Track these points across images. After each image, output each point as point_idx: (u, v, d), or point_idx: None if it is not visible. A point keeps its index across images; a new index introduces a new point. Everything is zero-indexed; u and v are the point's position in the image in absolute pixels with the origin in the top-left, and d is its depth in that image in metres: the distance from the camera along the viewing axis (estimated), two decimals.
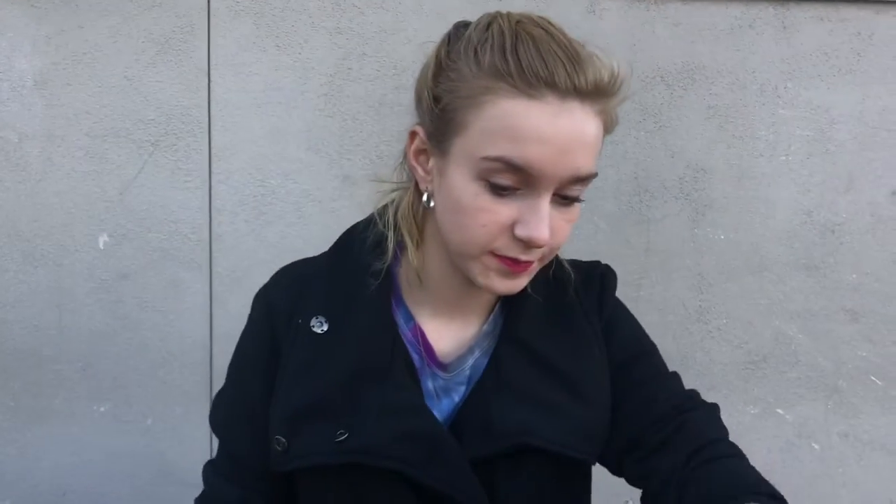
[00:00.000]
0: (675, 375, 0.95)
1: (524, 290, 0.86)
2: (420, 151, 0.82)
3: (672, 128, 1.68)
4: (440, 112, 0.77)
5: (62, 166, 1.63)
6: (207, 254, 1.66)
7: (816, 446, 1.79)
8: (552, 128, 0.71)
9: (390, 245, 0.88)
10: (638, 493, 0.89)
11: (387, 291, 0.88)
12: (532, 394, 0.85)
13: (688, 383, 1.89)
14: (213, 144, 1.64)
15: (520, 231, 0.75)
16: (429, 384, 0.87)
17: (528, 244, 0.75)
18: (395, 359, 0.85)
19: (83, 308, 1.66)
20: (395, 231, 0.88)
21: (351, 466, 0.82)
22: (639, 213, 1.70)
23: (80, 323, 1.66)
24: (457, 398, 0.87)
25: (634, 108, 1.67)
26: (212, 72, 1.62)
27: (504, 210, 0.75)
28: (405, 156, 0.86)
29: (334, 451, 0.82)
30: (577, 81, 0.71)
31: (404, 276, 0.90)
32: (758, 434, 1.78)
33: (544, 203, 0.74)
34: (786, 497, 0.83)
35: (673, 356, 1.74)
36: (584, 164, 0.74)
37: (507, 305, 0.90)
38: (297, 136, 1.64)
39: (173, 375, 1.66)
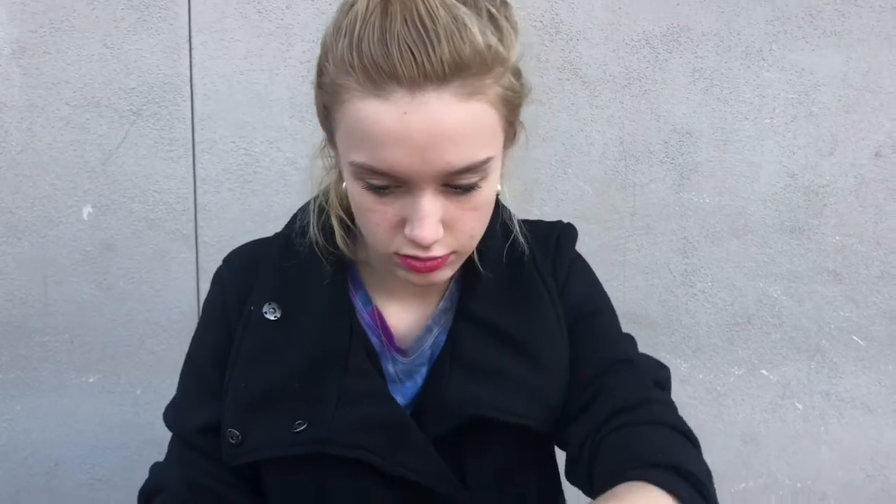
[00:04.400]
0: (624, 339, 0.89)
1: (475, 266, 0.84)
2: None
3: (657, 91, 1.68)
4: (321, 106, 0.72)
5: (43, 137, 1.61)
6: (193, 223, 1.65)
7: (799, 406, 1.82)
8: (403, 128, 0.64)
9: (311, 230, 0.85)
10: None
11: (342, 275, 0.85)
12: (486, 367, 0.82)
13: (674, 345, 1.92)
14: (195, 113, 1.62)
15: (407, 231, 0.70)
16: (390, 368, 0.85)
17: (416, 243, 0.71)
18: (353, 344, 0.82)
19: (69, 279, 1.65)
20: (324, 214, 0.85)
21: (312, 457, 0.79)
22: (624, 177, 1.70)
23: (66, 294, 1.65)
24: (420, 380, 0.85)
25: (620, 71, 1.66)
26: (193, 39, 1.60)
27: (390, 209, 0.70)
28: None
29: (293, 442, 0.79)
30: (427, 67, 0.62)
31: (362, 258, 0.87)
32: (742, 394, 1.81)
33: (424, 201, 0.68)
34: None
35: (658, 319, 1.76)
36: (455, 158, 0.66)
37: (462, 281, 0.86)
38: (281, 104, 1.62)
39: (161, 346, 1.66)
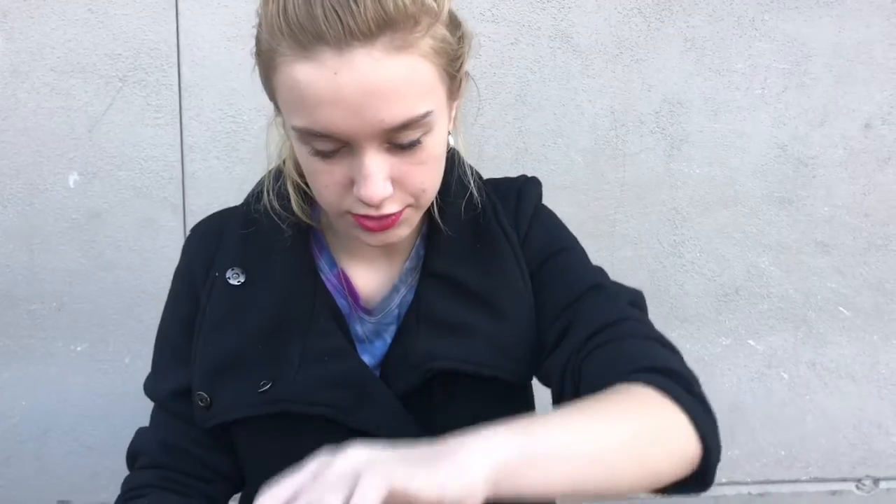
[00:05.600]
0: (592, 270, 0.88)
1: (437, 224, 0.84)
2: None
3: (649, 61, 1.67)
4: (261, 73, 0.73)
5: (27, 103, 1.59)
6: (180, 192, 1.64)
7: (785, 375, 1.83)
8: (334, 89, 0.64)
9: (265, 197, 0.86)
10: None
11: (305, 239, 0.86)
12: (451, 322, 0.82)
13: (662, 315, 1.93)
14: (182, 79, 1.60)
15: (355, 191, 0.71)
16: (358, 329, 0.86)
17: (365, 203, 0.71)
18: (316, 306, 0.83)
19: (56, 248, 1.64)
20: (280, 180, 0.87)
21: (279, 416, 0.81)
22: (615, 147, 1.70)
23: (54, 263, 1.64)
24: (388, 339, 0.86)
25: (611, 41, 1.65)
26: (179, 4, 1.58)
27: (337, 170, 0.71)
28: None
29: (258, 402, 0.81)
30: (352, 25, 0.62)
31: (325, 222, 0.88)
32: (729, 364, 1.82)
33: (368, 160, 0.69)
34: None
35: (647, 289, 1.74)
36: (390, 115, 0.66)
37: (428, 239, 0.87)
38: None
39: (149, 314, 1.65)
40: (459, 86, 0.77)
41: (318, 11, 0.62)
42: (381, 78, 0.64)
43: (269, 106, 0.83)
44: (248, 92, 1.61)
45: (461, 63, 0.74)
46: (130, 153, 1.62)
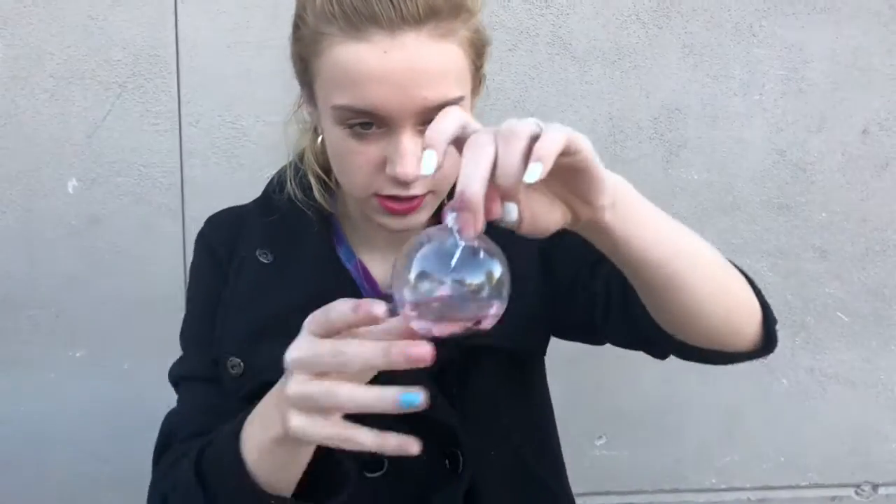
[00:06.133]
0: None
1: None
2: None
3: (647, 67, 1.67)
4: (299, 60, 0.79)
5: (27, 109, 1.59)
6: (179, 198, 1.64)
7: (784, 381, 1.83)
8: (383, 66, 0.70)
9: (288, 185, 0.90)
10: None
11: (326, 229, 0.90)
12: None
13: None
14: (181, 86, 1.61)
15: (388, 169, 0.75)
16: None
17: (400, 181, 0.75)
18: (341, 288, 0.87)
19: (55, 253, 1.64)
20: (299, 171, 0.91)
21: None
22: (613, 153, 1.70)
23: (53, 268, 1.64)
24: None
25: (610, 47, 1.66)
26: (178, 10, 1.58)
27: (372, 150, 0.75)
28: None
29: None
30: (404, 10, 0.69)
31: (342, 212, 0.92)
32: (728, 370, 1.81)
33: (405, 139, 0.73)
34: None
35: None
36: (433, 93, 0.72)
37: None
38: (269, 77, 1.61)
39: (149, 320, 1.65)
40: (480, 84, 0.82)
41: None
42: (427, 59, 0.71)
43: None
44: (247, 98, 1.61)
45: (484, 61, 0.80)
46: (129, 159, 1.62)
